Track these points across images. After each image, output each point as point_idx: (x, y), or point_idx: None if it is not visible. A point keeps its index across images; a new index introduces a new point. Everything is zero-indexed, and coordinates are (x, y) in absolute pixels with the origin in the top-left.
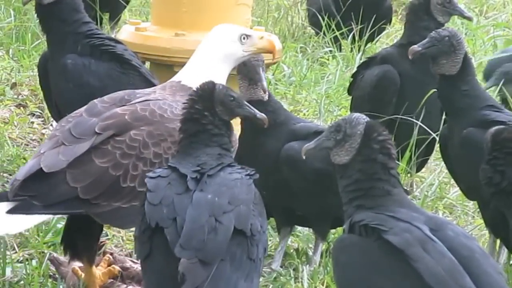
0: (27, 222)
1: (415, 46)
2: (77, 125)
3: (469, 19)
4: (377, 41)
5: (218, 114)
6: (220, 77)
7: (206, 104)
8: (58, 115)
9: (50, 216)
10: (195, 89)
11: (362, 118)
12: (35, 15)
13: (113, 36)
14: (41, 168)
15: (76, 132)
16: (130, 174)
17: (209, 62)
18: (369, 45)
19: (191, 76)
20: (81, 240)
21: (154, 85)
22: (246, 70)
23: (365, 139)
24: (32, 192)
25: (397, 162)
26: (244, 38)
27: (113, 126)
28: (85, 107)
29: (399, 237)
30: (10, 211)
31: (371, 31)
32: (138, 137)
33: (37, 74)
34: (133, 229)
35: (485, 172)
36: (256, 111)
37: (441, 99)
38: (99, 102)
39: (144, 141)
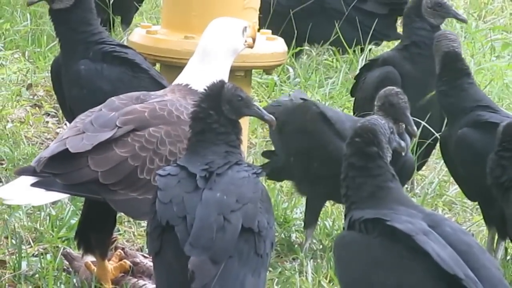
0: (48, 197)
1: None
2: (98, 117)
3: (463, 21)
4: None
5: (224, 113)
6: (225, 74)
7: (213, 103)
8: (71, 116)
9: (68, 195)
10: (204, 88)
11: (363, 120)
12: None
13: (125, 38)
14: (66, 149)
15: (97, 124)
16: (147, 167)
17: (214, 59)
18: (372, 46)
19: (198, 78)
20: (94, 235)
21: (164, 86)
22: (392, 111)
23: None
24: (56, 170)
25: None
26: (245, 30)
27: (133, 122)
28: (103, 104)
29: (404, 225)
30: (34, 185)
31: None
32: (156, 134)
33: (50, 78)
34: (144, 224)
35: (491, 163)
36: (264, 112)
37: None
38: (116, 99)
39: (162, 138)
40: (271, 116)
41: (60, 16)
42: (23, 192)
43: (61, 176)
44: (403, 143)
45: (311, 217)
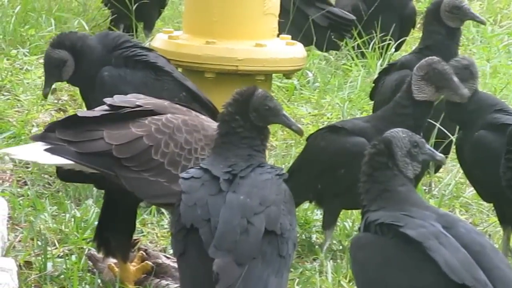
0: (55, 159)
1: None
2: (121, 97)
3: (482, 23)
4: (400, 47)
5: (250, 119)
6: None
7: (240, 108)
8: None
9: (75, 162)
10: (235, 92)
11: (387, 132)
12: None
13: (147, 43)
14: (76, 115)
15: (119, 100)
16: (162, 150)
17: None
18: (392, 50)
19: None
20: (114, 238)
21: (188, 87)
22: (438, 77)
23: None
24: (70, 138)
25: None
26: None
27: (153, 105)
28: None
29: (416, 231)
30: (47, 150)
31: (399, 39)
32: (174, 120)
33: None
34: (167, 225)
35: (502, 166)
36: (292, 121)
37: (450, 119)
38: (142, 95)
39: (179, 125)
40: (299, 125)
41: (74, 79)
42: (32, 151)
43: (76, 144)
44: (439, 155)
45: (330, 219)
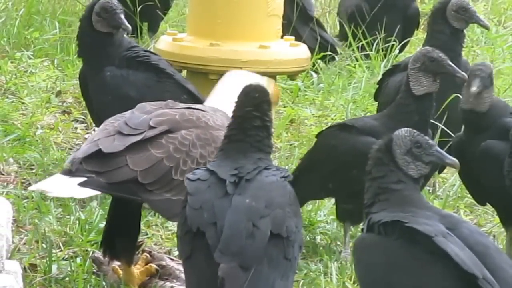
0: (87, 192)
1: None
2: (132, 118)
3: (486, 27)
4: (404, 48)
5: (264, 120)
6: None
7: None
8: (99, 122)
9: (107, 193)
10: (247, 90)
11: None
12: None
13: (151, 45)
14: (100, 149)
15: (131, 124)
16: (180, 168)
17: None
18: (396, 51)
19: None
20: (120, 242)
21: (189, 90)
22: (435, 65)
23: None
24: (97, 169)
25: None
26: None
27: (167, 123)
28: (135, 108)
29: (423, 227)
30: (80, 184)
31: (402, 40)
32: (189, 137)
33: (79, 86)
34: (171, 227)
35: (506, 165)
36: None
37: (466, 125)
38: (147, 104)
39: (193, 141)
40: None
41: (111, 38)
42: (66, 187)
43: (104, 175)
44: (449, 158)
45: (344, 214)
